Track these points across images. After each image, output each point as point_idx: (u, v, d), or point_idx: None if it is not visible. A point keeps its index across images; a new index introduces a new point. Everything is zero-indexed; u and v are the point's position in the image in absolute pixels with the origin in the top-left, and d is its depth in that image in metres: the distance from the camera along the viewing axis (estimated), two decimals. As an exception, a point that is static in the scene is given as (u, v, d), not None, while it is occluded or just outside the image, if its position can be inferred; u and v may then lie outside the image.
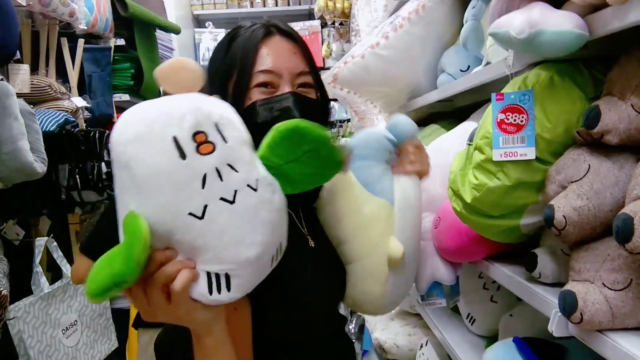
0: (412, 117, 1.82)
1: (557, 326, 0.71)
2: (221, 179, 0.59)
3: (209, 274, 0.60)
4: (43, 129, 1.76)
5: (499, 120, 0.80)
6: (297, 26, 4.21)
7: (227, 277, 0.61)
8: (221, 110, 0.64)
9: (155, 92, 2.91)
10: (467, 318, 1.43)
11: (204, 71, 0.67)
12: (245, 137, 0.66)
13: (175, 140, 0.58)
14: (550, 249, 0.85)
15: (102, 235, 1.30)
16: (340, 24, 3.17)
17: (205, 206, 0.58)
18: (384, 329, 1.95)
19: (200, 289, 0.61)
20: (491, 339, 1.34)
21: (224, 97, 0.85)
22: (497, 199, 0.85)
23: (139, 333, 1.81)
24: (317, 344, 0.93)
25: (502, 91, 0.81)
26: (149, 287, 0.60)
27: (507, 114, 0.79)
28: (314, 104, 0.91)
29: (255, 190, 0.62)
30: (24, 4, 1.85)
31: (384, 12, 1.92)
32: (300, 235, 0.95)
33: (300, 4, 4.44)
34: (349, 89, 1.73)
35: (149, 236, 0.56)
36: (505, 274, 0.96)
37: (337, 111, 4.29)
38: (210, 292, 0.61)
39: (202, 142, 0.59)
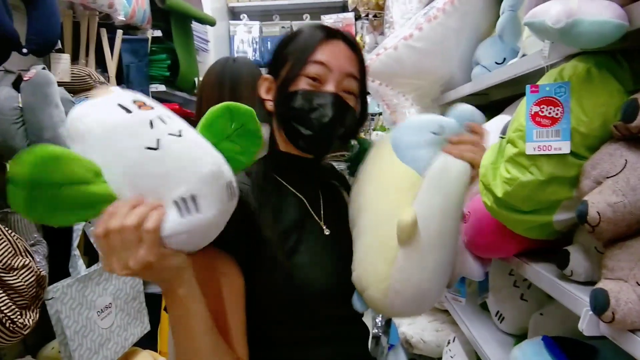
0: (446, 111, 1.80)
1: (587, 325, 0.69)
2: (165, 123, 0.68)
3: (176, 202, 0.66)
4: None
5: (533, 112, 0.78)
6: (330, 18, 4.20)
7: (193, 198, 0.66)
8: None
9: (190, 83, 2.96)
10: (496, 315, 1.41)
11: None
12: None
13: (120, 104, 0.67)
14: (583, 246, 0.83)
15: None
16: (374, 16, 3.15)
17: (158, 140, 0.66)
18: (411, 324, 1.94)
19: (172, 219, 0.66)
20: (520, 337, 1.32)
21: (275, 78, 0.96)
22: (530, 193, 0.83)
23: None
24: (324, 327, 0.93)
25: (538, 83, 0.79)
26: (123, 232, 0.63)
27: (541, 107, 0.77)
28: (350, 111, 0.94)
29: (198, 134, 0.72)
30: (66, -5, 1.91)
31: (419, 3, 1.89)
32: (314, 223, 0.97)
33: (334, -4, 4.43)
34: (380, 81, 1.72)
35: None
36: (536, 272, 0.94)
37: (369, 104, 4.27)
38: (182, 215, 0.66)
39: (141, 105, 0.69)
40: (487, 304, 1.46)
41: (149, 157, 0.65)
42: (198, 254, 0.74)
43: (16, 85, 1.67)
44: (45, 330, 1.91)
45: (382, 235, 0.85)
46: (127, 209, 0.63)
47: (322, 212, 1.00)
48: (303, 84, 0.91)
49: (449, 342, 1.69)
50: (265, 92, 0.99)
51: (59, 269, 1.87)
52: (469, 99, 1.62)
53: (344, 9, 4.35)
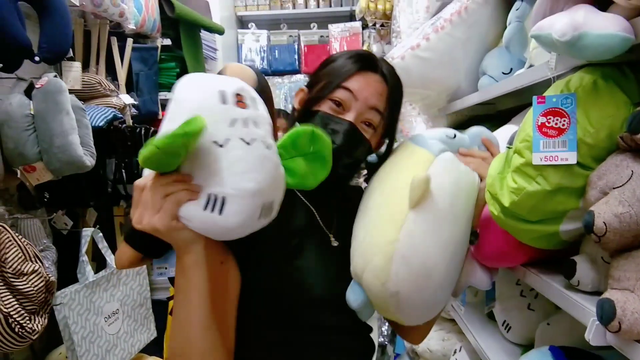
0: (452, 120, 1.81)
1: (594, 335, 0.69)
2: (246, 127, 0.73)
3: (209, 195, 0.71)
4: (92, 124, 1.83)
5: (539, 123, 0.79)
6: (337, 28, 4.22)
7: (223, 200, 0.71)
8: (258, 95, 0.80)
9: (198, 91, 2.98)
10: (502, 325, 1.41)
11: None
12: (270, 121, 0.80)
13: (221, 92, 0.73)
14: (589, 256, 0.83)
15: None
16: (382, 25, 3.17)
17: (227, 139, 0.71)
18: (417, 333, 1.93)
19: (195, 207, 0.71)
20: (527, 347, 1.32)
21: (310, 91, 1.00)
22: (536, 203, 0.83)
23: None
24: (321, 334, 0.93)
25: (544, 94, 0.80)
26: (154, 193, 0.70)
27: (548, 118, 0.78)
28: (363, 144, 0.95)
29: (268, 149, 0.75)
30: (77, 4, 1.94)
31: (426, 13, 1.91)
32: (322, 233, 0.99)
33: (341, 5, 4.45)
34: (388, 91, 1.73)
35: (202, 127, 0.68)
36: (543, 281, 0.95)
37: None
38: (205, 208, 0.71)
39: (240, 101, 0.74)
40: (494, 313, 1.45)
41: (211, 150, 0.70)
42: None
43: (28, 92, 1.70)
44: (52, 336, 1.92)
45: (392, 204, 0.86)
46: (172, 179, 0.70)
47: (333, 224, 1.01)
48: (326, 107, 0.94)
49: (455, 352, 1.68)
50: (299, 103, 1.02)
51: (67, 275, 1.88)
52: (476, 108, 1.63)
53: (351, 18, 4.38)
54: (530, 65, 1.12)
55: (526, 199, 0.84)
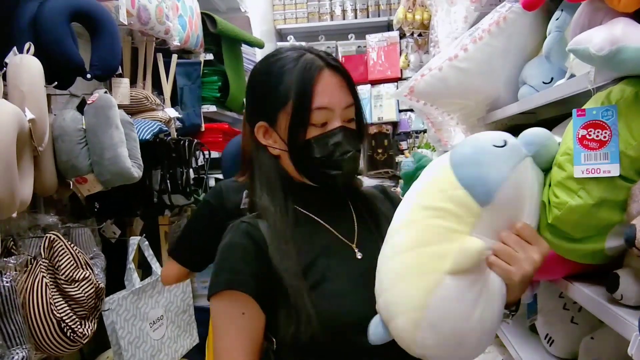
0: (492, 130, 1.79)
1: (637, 350, 0.68)
2: None
3: None
4: (140, 137, 1.91)
5: (580, 136, 0.78)
6: (375, 38, 4.24)
7: None
8: None
9: (239, 104, 3.06)
10: (545, 338, 1.38)
11: None
12: None
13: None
14: (633, 269, 0.81)
15: (189, 242, 1.42)
16: (419, 35, 3.17)
17: None
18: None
19: None
20: (571, 362, 1.29)
21: (272, 124, 0.95)
22: (580, 218, 0.82)
23: None
24: (365, 357, 0.89)
25: (584, 107, 0.79)
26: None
27: (589, 130, 0.78)
28: (355, 134, 0.97)
29: None
30: (126, 22, 2.04)
31: (464, 23, 1.90)
32: (344, 248, 0.97)
33: (379, 16, 4.48)
34: (425, 101, 1.73)
35: None
36: (586, 295, 0.93)
37: (414, 122, 4.26)
38: None
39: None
40: (536, 326, 1.43)
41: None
42: (222, 295, 0.89)
43: (80, 108, 1.79)
44: (100, 340, 2.00)
45: (425, 260, 0.78)
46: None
47: (355, 235, 0.99)
48: (312, 131, 0.92)
49: (496, 365, 1.66)
50: (263, 137, 0.97)
51: (115, 282, 1.96)
52: (516, 117, 1.61)
53: (388, 28, 4.39)
54: (572, 75, 1.10)
55: (569, 214, 0.82)
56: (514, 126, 1.77)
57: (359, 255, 0.96)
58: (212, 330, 0.95)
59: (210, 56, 2.85)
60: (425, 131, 3.20)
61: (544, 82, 1.41)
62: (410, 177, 0.99)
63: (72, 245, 1.61)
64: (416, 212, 0.83)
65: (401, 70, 4.07)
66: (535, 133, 0.85)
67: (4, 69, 1.49)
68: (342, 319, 0.88)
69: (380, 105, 4.26)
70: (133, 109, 2.13)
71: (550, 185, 0.88)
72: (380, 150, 4.21)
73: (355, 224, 1.00)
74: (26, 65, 1.50)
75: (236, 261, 0.91)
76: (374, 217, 1.03)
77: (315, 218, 0.98)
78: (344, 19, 4.51)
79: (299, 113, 0.91)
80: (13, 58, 1.50)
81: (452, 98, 1.67)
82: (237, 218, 1.03)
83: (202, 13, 2.74)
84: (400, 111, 4.35)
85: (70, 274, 1.57)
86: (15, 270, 1.46)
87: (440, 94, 1.66)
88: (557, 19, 1.19)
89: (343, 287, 0.90)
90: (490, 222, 0.79)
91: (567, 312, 1.33)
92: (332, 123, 0.93)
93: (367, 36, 4.29)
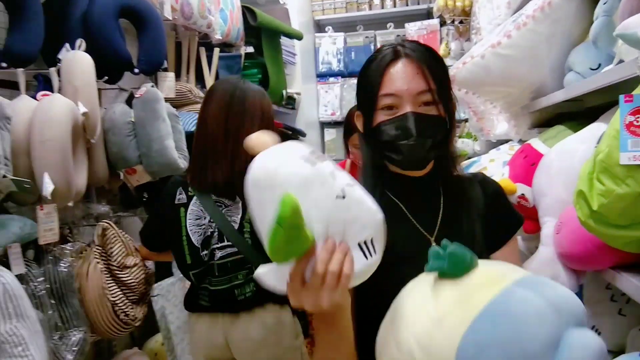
0: (537, 118, 1.76)
1: (688, 341, 0.67)
2: (337, 175, 0.76)
3: (360, 245, 0.75)
4: (185, 129, 1.98)
5: (627, 122, 0.77)
6: (414, 26, 4.18)
7: (372, 241, 0.75)
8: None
9: (279, 96, 3.10)
10: (592, 329, 1.35)
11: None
12: None
13: (302, 157, 0.75)
14: (685, 259, 0.79)
15: (147, 228, 1.70)
16: (460, 22, 3.11)
17: (343, 189, 0.74)
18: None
19: (358, 261, 0.74)
20: (617, 353, 1.26)
21: (364, 119, 1.02)
22: (626, 206, 0.81)
23: None
24: None
25: (632, 92, 0.77)
26: (325, 276, 0.72)
27: (636, 117, 0.76)
28: (433, 121, 0.96)
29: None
30: (170, 18, 2.10)
31: (507, 9, 1.87)
32: (424, 238, 0.99)
33: (418, 4, 4.41)
34: (467, 90, 1.71)
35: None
36: (634, 285, 0.91)
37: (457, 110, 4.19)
38: (367, 257, 0.75)
39: (318, 157, 0.76)
40: (582, 318, 1.40)
41: (339, 205, 0.73)
42: None
43: (129, 101, 1.86)
44: (149, 326, 2.09)
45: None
46: (326, 255, 0.72)
47: (437, 227, 1.00)
48: (381, 116, 0.97)
49: None
50: (360, 125, 1.05)
51: (162, 269, 2.04)
52: (561, 105, 1.57)
53: (428, 15, 4.33)
54: (620, 61, 1.07)
55: (616, 202, 0.81)
56: (560, 114, 1.73)
57: (434, 244, 0.98)
58: None
59: (250, 49, 2.89)
60: (466, 120, 3.15)
61: (590, 69, 1.37)
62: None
63: (123, 233, 1.69)
64: None
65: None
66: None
67: (58, 65, 1.57)
68: None
69: (420, 94, 4.21)
70: (178, 102, 2.20)
71: (592, 172, 0.87)
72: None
73: (440, 215, 1.02)
74: (79, 61, 1.57)
75: None
76: (462, 208, 1.03)
77: (402, 207, 1.02)
78: (382, 7, 4.46)
79: (370, 100, 0.98)
80: (66, 54, 1.57)
81: (495, 86, 1.65)
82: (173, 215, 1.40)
83: (242, 6, 2.78)
84: (440, 100, 4.29)
85: (122, 260, 1.65)
86: (72, 257, 1.54)
87: (483, 82, 1.64)
88: (604, 3, 1.16)
89: (410, 275, 0.89)
90: None
91: (614, 303, 1.30)
92: (402, 109, 0.95)
93: (406, 25, 4.23)
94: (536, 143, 1.51)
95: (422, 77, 0.96)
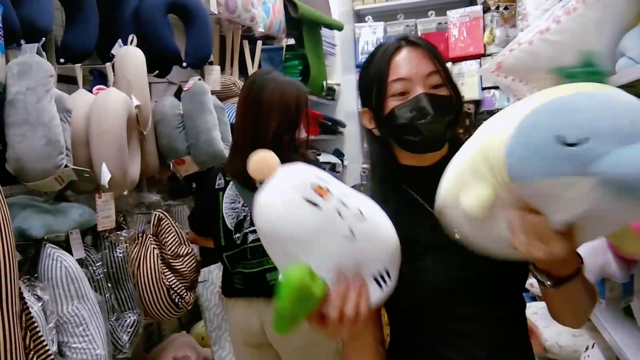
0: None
1: None
2: (347, 207, 0.74)
3: (375, 278, 0.76)
4: (230, 121, 2.03)
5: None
6: (456, 13, 4.10)
7: (387, 271, 0.77)
8: (315, 170, 0.78)
9: (319, 87, 3.12)
10: (643, 322, 1.32)
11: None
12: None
13: (306, 199, 0.72)
14: None
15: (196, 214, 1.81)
16: (505, 8, 3.04)
17: (351, 228, 0.73)
18: (546, 327, 1.87)
19: (374, 293, 0.76)
20: (672, 346, 1.23)
21: (370, 109, 1.02)
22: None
23: None
24: (466, 324, 0.94)
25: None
26: (343, 321, 0.74)
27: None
28: (446, 101, 0.97)
29: (364, 201, 0.78)
30: (216, 12, 2.15)
31: (556, -6, 1.81)
32: (441, 225, 0.94)
33: (461, -10, 4.33)
34: (514, 77, 1.68)
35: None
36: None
37: (498, 99, 4.10)
38: (382, 288, 0.77)
39: (320, 191, 0.73)
40: (632, 309, 1.37)
41: (348, 246, 0.73)
42: None
43: (177, 94, 1.93)
44: (196, 311, 2.16)
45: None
46: (340, 300, 0.73)
47: None
48: (393, 102, 0.97)
49: (587, 348, 1.61)
50: (369, 123, 1.04)
51: (206, 256, 2.10)
52: (612, 92, 1.53)
53: (470, 3, 4.24)
54: (678, 44, 1.04)
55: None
56: (611, 101, 1.68)
57: (457, 236, 0.94)
58: None
59: (291, 41, 2.92)
60: (510, 109, 3.08)
61: (645, 53, 1.33)
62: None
63: (175, 223, 1.76)
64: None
65: (484, 46, 3.91)
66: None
67: (113, 60, 1.64)
68: (429, 292, 0.93)
69: (462, 83, 4.12)
70: (223, 95, 2.25)
71: None
72: (461, 130, 4.09)
73: None
74: (131, 55, 1.64)
75: None
76: None
77: (418, 198, 1.01)
78: (423, -5, 4.41)
79: (379, 89, 0.98)
80: (119, 50, 1.64)
81: (543, 73, 1.61)
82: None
83: (283, -2, 2.81)
84: (483, 89, 4.20)
85: (175, 249, 1.72)
86: (126, 243, 1.62)
87: (531, 69, 1.60)
88: (661, -15, 1.12)
89: (435, 263, 0.94)
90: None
91: (668, 295, 1.27)
92: (413, 92, 0.96)
93: (448, 12, 4.15)
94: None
95: (429, 59, 0.97)
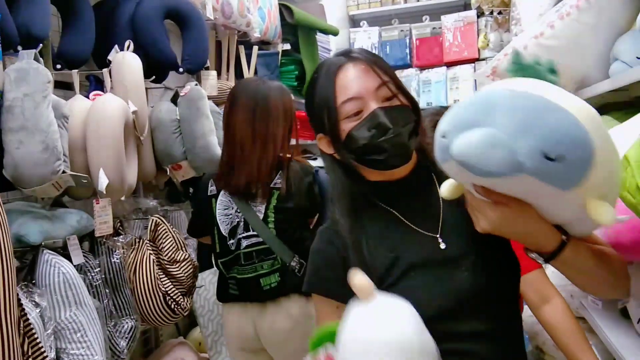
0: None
1: None
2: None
3: None
4: (226, 126, 2.02)
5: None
6: (451, 18, 4.14)
7: None
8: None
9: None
10: (638, 322, 1.33)
11: None
12: None
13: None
14: None
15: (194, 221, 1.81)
16: (499, 13, 3.06)
17: None
18: (544, 329, 1.87)
19: None
20: (668, 347, 1.24)
21: (325, 134, 0.97)
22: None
23: None
24: (457, 342, 0.89)
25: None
26: None
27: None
28: (403, 111, 0.93)
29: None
30: (212, 18, 2.15)
31: (549, -1, 1.84)
32: (426, 240, 0.94)
33: (455, -4, 4.36)
34: (509, 82, 1.70)
35: None
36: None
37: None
38: None
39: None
40: (628, 310, 1.38)
41: None
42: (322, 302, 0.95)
43: (173, 100, 1.93)
44: (193, 316, 2.15)
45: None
46: None
47: (440, 224, 0.96)
48: (348, 124, 0.92)
49: (584, 350, 1.62)
50: (327, 148, 0.99)
51: (202, 261, 2.09)
52: (607, 96, 1.55)
53: (465, 7, 4.27)
54: (670, 49, 1.05)
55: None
56: (605, 104, 1.70)
57: (442, 246, 0.93)
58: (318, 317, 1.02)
59: (287, 46, 2.93)
60: (505, 113, 3.10)
61: (637, 57, 1.34)
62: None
63: (172, 228, 1.76)
64: None
65: (479, 50, 3.95)
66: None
67: (109, 66, 1.64)
68: (422, 311, 0.84)
69: (456, 87, 4.15)
70: (219, 100, 2.25)
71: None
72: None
73: (442, 211, 0.97)
74: (128, 61, 1.64)
75: (320, 267, 0.99)
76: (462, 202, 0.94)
77: (396, 214, 0.97)
78: (418, 0, 4.44)
79: (330, 114, 0.93)
80: (116, 55, 1.64)
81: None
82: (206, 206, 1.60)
83: (279, 4, 2.82)
84: (477, 93, 4.23)
85: (172, 255, 1.72)
86: (123, 249, 1.62)
87: (525, 74, 1.62)
88: (654, -10, 1.14)
89: (424, 280, 0.90)
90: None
91: (664, 296, 1.28)
92: (368, 108, 0.91)
93: (442, 17, 4.18)
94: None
95: (373, 72, 0.93)
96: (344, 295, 0.87)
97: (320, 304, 0.99)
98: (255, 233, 1.61)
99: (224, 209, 1.64)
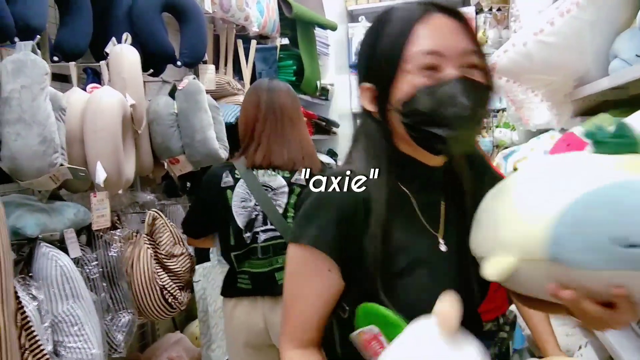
0: (580, 106, 1.74)
1: None
2: None
3: None
4: (224, 121, 2.02)
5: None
6: (450, 14, 4.14)
7: None
8: None
9: (313, 87, 3.12)
10: (637, 323, 1.34)
11: None
12: None
13: None
14: None
15: (191, 217, 1.75)
16: (498, 9, 3.07)
17: None
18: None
19: None
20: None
21: (376, 85, 0.81)
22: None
23: None
24: None
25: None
26: None
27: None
28: (484, 91, 0.78)
29: None
30: (210, 11, 2.14)
31: (549, -4, 1.83)
32: (429, 238, 0.86)
33: (454, -8, 4.36)
34: (508, 78, 1.70)
35: None
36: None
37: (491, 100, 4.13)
38: None
39: None
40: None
41: None
42: (303, 250, 0.81)
43: (171, 93, 1.92)
44: (190, 311, 2.15)
45: None
46: None
47: (441, 222, 0.88)
48: (417, 80, 0.75)
49: (580, 347, 1.62)
50: (369, 102, 0.83)
51: (199, 255, 2.09)
52: (606, 93, 1.55)
53: (464, 3, 4.27)
54: (670, 46, 1.05)
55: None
56: (604, 102, 1.70)
57: (443, 248, 0.86)
58: (288, 275, 0.86)
59: (285, 40, 2.91)
60: (504, 110, 3.11)
61: (637, 55, 1.34)
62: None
63: (170, 222, 1.75)
64: None
65: (477, 47, 3.95)
66: None
67: (107, 58, 1.62)
68: (422, 311, 0.76)
69: (454, 84, 4.16)
70: (217, 94, 2.24)
71: None
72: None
73: (443, 207, 0.89)
74: (126, 54, 1.63)
75: (328, 219, 0.81)
76: (465, 197, 0.89)
77: (412, 200, 0.86)
78: (416, -4, 4.43)
79: (393, 60, 0.77)
80: (113, 48, 1.63)
81: (537, 74, 1.63)
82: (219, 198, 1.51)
83: (277, -2, 2.81)
84: (476, 90, 4.23)
85: (170, 249, 1.71)
86: (120, 242, 1.61)
87: (525, 70, 1.62)
88: (654, -13, 1.14)
89: (428, 279, 0.83)
90: None
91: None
92: (446, 71, 0.75)
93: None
94: (580, 131, 1.49)
95: (466, 36, 0.77)
96: (346, 259, 0.81)
97: (313, 261, 0.82)
98: (273, 227, 1.60)
99: (241, 202, 1.62)
